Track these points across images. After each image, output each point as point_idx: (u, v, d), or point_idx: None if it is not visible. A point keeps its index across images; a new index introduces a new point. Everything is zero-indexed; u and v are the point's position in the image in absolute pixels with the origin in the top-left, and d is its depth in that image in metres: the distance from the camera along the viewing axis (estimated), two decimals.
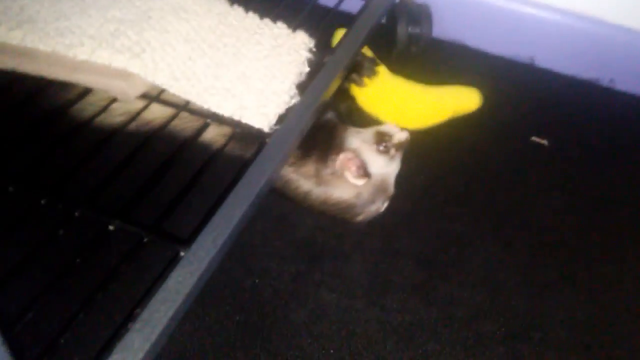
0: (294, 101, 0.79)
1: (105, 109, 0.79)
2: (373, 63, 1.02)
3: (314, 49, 0.89)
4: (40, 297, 0.57)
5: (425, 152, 1.03)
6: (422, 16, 1.20)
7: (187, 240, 0.61)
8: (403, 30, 1.20)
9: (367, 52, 1.08)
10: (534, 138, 1.09)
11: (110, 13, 0.83)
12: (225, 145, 0.76)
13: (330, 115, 0.96)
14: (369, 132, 0.93)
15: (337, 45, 0.91)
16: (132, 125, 0.79)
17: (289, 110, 0.78)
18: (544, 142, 1.08)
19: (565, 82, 1.23)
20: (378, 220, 0.91)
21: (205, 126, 0.78)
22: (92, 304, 0.57)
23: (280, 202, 0.91)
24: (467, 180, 1.01)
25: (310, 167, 0.88)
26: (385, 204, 0.89)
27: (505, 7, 1.23)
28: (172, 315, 0.55)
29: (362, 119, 1.05)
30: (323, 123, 0.93)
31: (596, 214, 0.98)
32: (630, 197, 1.01)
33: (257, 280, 0.84)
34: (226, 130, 0.79)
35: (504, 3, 1.22)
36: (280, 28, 0.90)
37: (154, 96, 0.80)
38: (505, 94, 1.16)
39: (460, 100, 1.08)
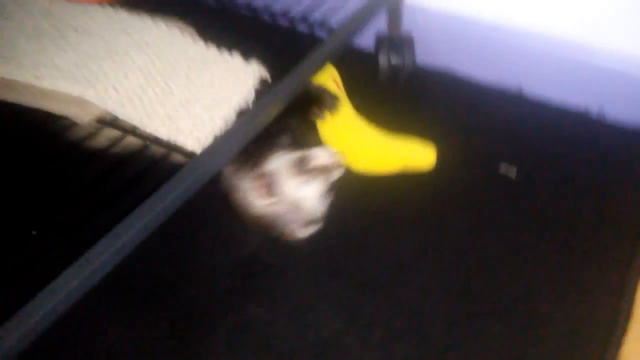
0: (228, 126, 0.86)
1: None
2: (333, 99, 1.05)
3: (266, 78, 0.96)
4: None
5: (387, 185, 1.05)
6: (405, 46, 1.24)
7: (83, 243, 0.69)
8: (385, 60, 1.24)
9: (334, 82, 1.12)
10: (503, 168, 1.07)
11: (82, 49, 0.95)
12: (154, 165, 0.84)
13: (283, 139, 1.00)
14: (295, 155, 0.93)
15: (286, 76, 0.97)
16: (84, 146, 0.89)
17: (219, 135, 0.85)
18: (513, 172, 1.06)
19: (554, 112, 1.20)
20: (324, 242, 0.95)
21: (144, 147, 0.87)
22: None
23: (230, 219, 0.98)
24: (421, 207, 1.02)
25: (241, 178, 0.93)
26: (312, 226, 0.92)
27: (493, 35, 1.23)
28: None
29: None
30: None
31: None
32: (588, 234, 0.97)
33: (192, 291, 0.90)
34: (162, 151, 0.87)
35: (490, 31, 1.23)
36: (235, 59, 0.98)
37: (108, 121, 0.90)
38: (488, 122, 1.15)
39: (413, 156, 1.06)
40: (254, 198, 0.91)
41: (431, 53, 1.30)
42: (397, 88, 1.26)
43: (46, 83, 0.89)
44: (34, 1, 1.06)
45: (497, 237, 0.95)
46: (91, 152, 0.87)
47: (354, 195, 1.00)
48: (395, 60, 1.24)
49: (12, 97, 0.90)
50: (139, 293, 0.90)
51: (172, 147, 0.84)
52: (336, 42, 1.04)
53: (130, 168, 0.85)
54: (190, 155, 0.82)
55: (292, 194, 0.92)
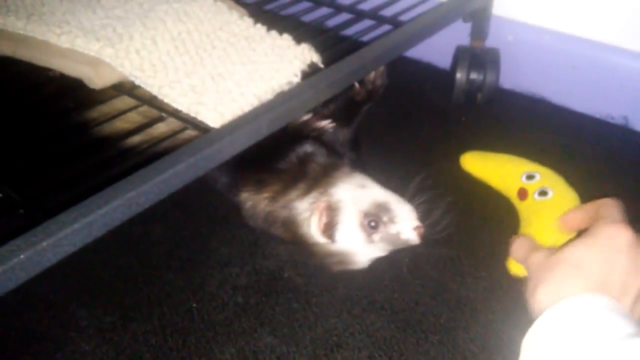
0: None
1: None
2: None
3: (318, 64, 0.80)
4: None
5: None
6: (488, 60, 1.05)
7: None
8: (462, 75, 1.06)
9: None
10: None
11: (114, 12, 0.84)
12: (163, 139, 0.69)
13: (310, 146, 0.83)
14: (369, 196, 0.76)
15: (341, 60, 0.80)
16: (92, 113, 0.75)
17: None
18: None
19: None
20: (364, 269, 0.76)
21: (159, 119, 0.72)
22: None
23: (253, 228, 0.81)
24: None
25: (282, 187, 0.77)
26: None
27: (593, 55, 1.03)
28: None
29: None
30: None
31: None
32: None
33: (194, 305, 0.72)
34: (176, 125, 0.71)
35: (591, 51, 1.03)
36: (284, 39, 0.83)
37: (124, 90, 0.77)
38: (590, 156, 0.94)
39: None
40: (307, 223, 0.75)
41: (518, 72, 1.11)
42: (474, 108, 1.07)
43: (64, 39, 0.77)
44: None
45: None
46: (94, 119, 0.73)
47: None
48: (474, 75, 1.06)
49: (26, 54, 0.79)
50: (134, 297, 0.73)
51: (189, 121, 0.69)
52: (398, 38, 0.88)
53: (134, 140, 0.70)
54: (207, 130, 0.66)
55: (346, 247, 0.74)
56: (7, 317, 0.71)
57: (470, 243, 0.80)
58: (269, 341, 0.68)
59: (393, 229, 0.74)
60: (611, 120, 1.04)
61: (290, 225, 0.77)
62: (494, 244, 0.78)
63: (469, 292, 0.74)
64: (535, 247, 0.66)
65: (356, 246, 0.75)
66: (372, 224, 0.74)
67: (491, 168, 0.90)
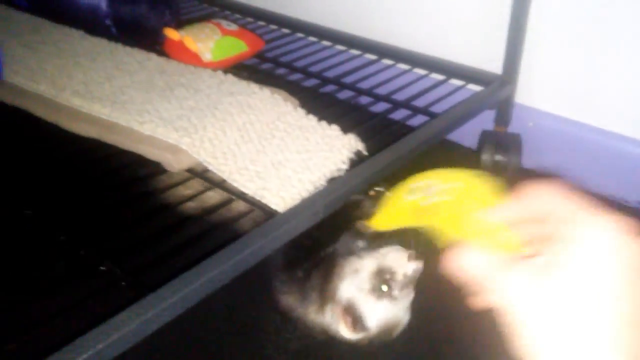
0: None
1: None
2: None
3: (361, 151, 0.92)
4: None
5: None
6: (511, 144, 1.17)
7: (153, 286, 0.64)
8: (488, 157, 1.17)
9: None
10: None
11: (187, 102, 0.97)
12: (236, 219, 0.80)
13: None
14: (365, 273, 0.82)
15: (381, 151, 0.92)
16: (168, 195, 0.87)
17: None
18: None
19: None
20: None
21: (229, 201, 0.83)
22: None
23: None
24: None
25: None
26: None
27: (608, 144, 1.14)
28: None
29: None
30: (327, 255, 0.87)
31: None
32: None
33: None
34: (245, 207, 0.83)
35: (606, 140, 1.14)
36: (333, 130, 0.95)
37: (197, 172, 0.88)
38: None
39: None
40: (339, 329, 0.81)
41: (540, 157, 1.22)
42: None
43: (146, 128, 0.89)
44: (150, 58, 1.11)
45: None
46: (175, 200, 0.85)
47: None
48: (499, 157, 1.17)
49: (110, 139, 0.91)
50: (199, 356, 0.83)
51: (256, 204, 0.80)
52: (436, 127, 1.00)
53: (211, 219, 0.81)
54: (272, 214, 0.78)
55: (381, 321, 0.81)
56: None
57: None
58: None
59: (398, 275, 0.81)
60: (625, 204, 1.13)
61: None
62: None
63: None
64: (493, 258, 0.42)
65: (388, 311, 0.81)
66: (384, 288, 0.80)
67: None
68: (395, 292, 0.81)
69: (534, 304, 0.38)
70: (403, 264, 0.82)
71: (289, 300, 0.86)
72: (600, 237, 0.38)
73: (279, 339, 0.85)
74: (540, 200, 0.42)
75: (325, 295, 0.83)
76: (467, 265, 0.43)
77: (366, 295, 0.81)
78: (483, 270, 0.42)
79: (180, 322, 0.87)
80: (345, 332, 0.80)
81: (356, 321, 0.80)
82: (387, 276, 0.81)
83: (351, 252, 0.86)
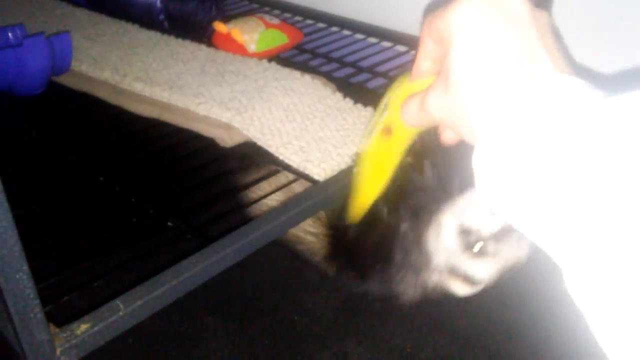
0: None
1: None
2: None
3: None
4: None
5: None
6: None
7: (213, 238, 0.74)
8: None
9: None
10: None
11: (236, 86, 1.08)
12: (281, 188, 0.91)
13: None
14: (449, 235, 0.79)
15: None
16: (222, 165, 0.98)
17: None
18: None
19: None
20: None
21: (275, 172, 0.94)
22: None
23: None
24: None
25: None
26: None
27: None
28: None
29: None
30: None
31: None
32: None
33: (295, 317, 0.92)
34: (290, 177, 0.93)
35: None
36: (367, 111, 1.05)
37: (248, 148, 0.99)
38: None
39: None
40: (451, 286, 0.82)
41: None
42: None
43: (202, 108, 1.00)
44: (201, 49, 1.22)
45: None
46: (228, 170, 0.95)
47: None
48: None
49: (169, 118, 1.03)
50: (244, 309, 0.93)
51: (300, 174, 0.90)
52: None
53: (262, 186, 0.92)
54: (315, 182, 0.88)
55: (489, 274, 0.80)
56: (151, 323, 0.92)
57: None
58: (356, 349, 0.87)
59: (482, 234, 0.77)
60: None
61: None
62: None
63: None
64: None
65: (491, 268, 0.79)
66: (476, 248, 0.77)
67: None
68: (490, 247, 0.77)
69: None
70: (483, 223, 0.76)
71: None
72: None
73: (318, 296, 0.96)
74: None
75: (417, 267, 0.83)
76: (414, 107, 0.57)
77: (461, 257, 0.78)
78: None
79: (235, 276, 0.99)
80: (460, 290, 0.81)
81: (467, 280, 0.80)
82: (472, 236, 0.77)
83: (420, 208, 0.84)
